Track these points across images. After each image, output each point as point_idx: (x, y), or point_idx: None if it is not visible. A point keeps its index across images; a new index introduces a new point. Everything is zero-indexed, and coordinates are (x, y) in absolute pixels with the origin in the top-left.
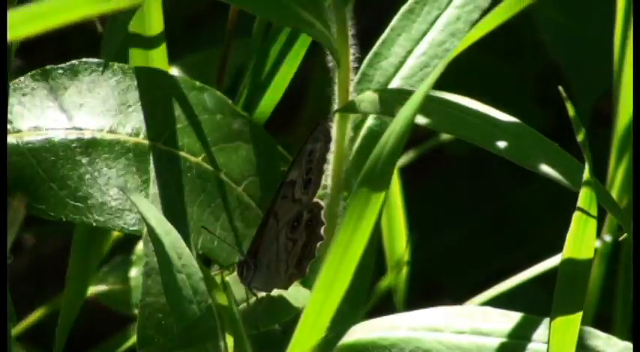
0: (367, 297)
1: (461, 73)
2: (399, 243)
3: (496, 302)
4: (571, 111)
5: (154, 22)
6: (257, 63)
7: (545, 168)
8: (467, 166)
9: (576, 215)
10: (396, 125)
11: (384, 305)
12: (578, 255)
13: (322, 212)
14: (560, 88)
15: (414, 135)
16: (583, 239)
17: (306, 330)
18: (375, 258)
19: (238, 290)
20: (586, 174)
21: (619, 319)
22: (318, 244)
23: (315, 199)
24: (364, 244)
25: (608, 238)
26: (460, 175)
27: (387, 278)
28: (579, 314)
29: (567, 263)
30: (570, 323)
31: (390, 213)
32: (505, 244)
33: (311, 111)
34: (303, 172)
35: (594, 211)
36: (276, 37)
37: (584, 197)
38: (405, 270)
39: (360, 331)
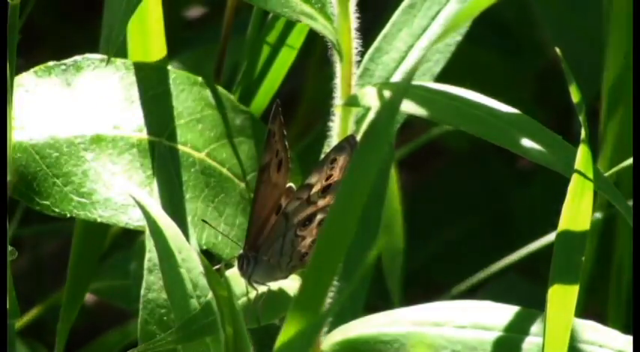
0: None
1: (460, 71)
2: (396, 241)
3: (483, 292)
4: (575, 97)
5: (153, 18)
6: (251, 56)
7: (547, 160)
8: (466, 166)
9: (572, 186)
10: (385, 110)
11: (383, 304)
12: (574, 226)
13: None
14: (565, 69)
15: (412, 132)
16: (579, 210)
17: (298, 313)
18: (374, 254)
19: (239, 284)
20: (583, 134)
21: (612, 312)
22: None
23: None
24: (352, 231)
25: (598, 215)
26: (459, 175)
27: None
28: (576, 287)
29: (563, 235)
30: (567, 294)
31: (387, 211)
32: (504, 244)
33: (307, 106)
34: (323, 178)
35: (590, 183)
36: (271, 29)
37: (582, 164)
38: (400, 266)
39: (361, 326)
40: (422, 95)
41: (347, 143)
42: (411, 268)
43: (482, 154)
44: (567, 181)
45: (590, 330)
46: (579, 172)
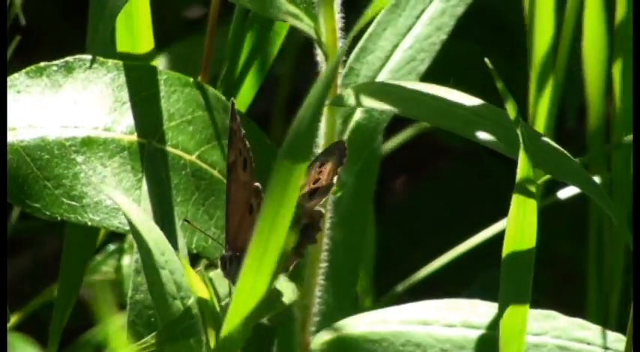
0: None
1: (458, 71)
2: (368, 246)
3: (460, 283)
4: (497, 80)
5: (140, 14)
6: (234, 52)
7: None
8: (466, 166)
9: (516, 193)
10: (314, 92)
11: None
12: (520, 237)
13: (322, 219)
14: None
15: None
16: (524, 218)
17: (238, 307)
18: (361, 253)
19: (223, 285)
20: (521, 154)
21: (592, 305)
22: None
23: (317, 207)
24: (290, 216)
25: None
26: (459, 175)
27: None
28: (528, 291)
29: (510, 246)
30: (519, 300)
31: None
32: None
33: (289, 104)
34: (311, 181)
35: (533, 186)
36: (253, 24)
37: (523, 170)
38: (371, 278)
39: (350, 325)
40: (405, 94)
41: (336, 148)
42: (410, 268)
43: (482, 154)
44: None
45: (578, 328)
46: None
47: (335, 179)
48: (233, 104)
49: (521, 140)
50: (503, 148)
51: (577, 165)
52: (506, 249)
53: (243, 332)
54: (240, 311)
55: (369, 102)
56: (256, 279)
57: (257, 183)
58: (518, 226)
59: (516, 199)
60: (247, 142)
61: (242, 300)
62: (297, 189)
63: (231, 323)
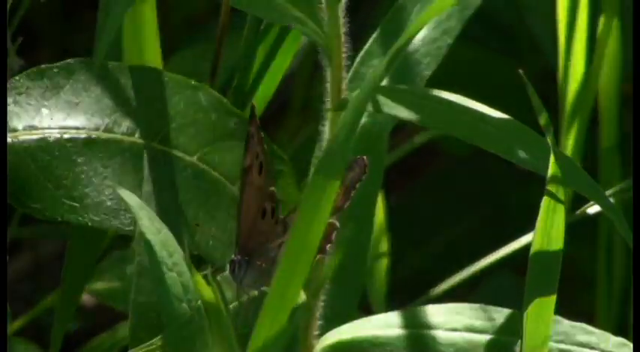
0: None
1: (459, 73)
2: (380, 248)
3: (478, 292)
4: (535, 100)
5: (147, 18)
6: (247, 60)
7: (535, 165)
8: (466, 167)
9: (545, 200)
10: (347, 115)
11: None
12: (548, 242)
13: (335, 233)
14: (521, 71)
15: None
16: (552, 225)
17: (268, 321)
18: (367, 256)
19: (232, 288)
20: (552, 161)
21: (601, 312)
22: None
23: (331, 220)
24: (321, 233)
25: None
26: (459, 176)
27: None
28: (552, 300)
29: (538, 250)
30: (544, 310)
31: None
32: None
33: (296, 109)
34: None
35: (562, 195)
36: (267, 33)
37: (552, 180)
38: (384, 282)
39: (354, 329)
40: (411, 100)
41: (356, 164)
42: (411, 269)
43: (482, 155)
44: None
45: (581, 332)
46: (554, 179)
47: (352, 194)
48: (253, 107)
49: (552, 151)
50: (513, 156)
51: (593, 182)
52: (533, 258)
53: (275, 347)
54: (269, 329)
55: (375, 106)
56: (285, 296)
57: (272, 188)
58: (546, 235)
59: (545, 207)
60: (265, 146)
61: (270, 318)
62: (330, 207)
63: (259, 339)
